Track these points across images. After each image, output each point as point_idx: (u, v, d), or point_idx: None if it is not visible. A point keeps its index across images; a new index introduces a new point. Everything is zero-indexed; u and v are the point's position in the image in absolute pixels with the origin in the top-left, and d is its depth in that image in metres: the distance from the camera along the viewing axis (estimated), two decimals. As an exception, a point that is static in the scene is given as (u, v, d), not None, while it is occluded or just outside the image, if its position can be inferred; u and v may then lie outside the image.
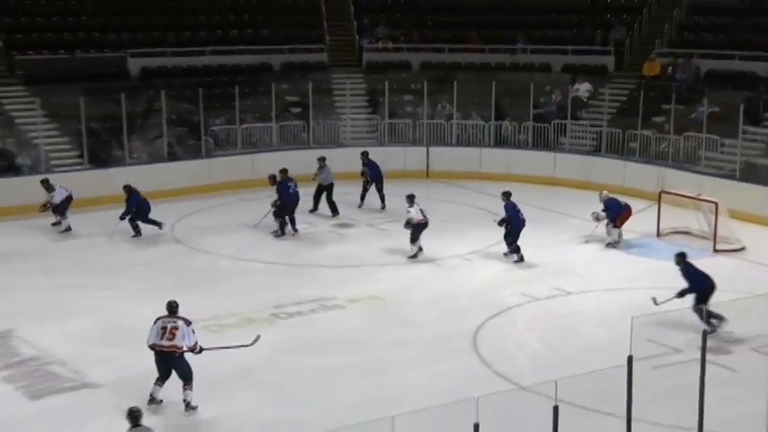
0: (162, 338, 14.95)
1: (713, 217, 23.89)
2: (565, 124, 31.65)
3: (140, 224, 24.89)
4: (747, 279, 21.55)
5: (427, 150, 31.79)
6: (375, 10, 36.95)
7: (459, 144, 31.89)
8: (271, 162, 29.39)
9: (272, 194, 26.03)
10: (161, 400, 15.23)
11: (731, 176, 27.76)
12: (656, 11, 35.13)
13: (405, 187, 26.90)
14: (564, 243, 25.09)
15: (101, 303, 20.67)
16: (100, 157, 29.06)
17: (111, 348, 18.11)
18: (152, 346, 15.06)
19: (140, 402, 14.53)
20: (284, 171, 25.77)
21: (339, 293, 21.22)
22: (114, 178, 28.00)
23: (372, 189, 28.05)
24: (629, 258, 23.72)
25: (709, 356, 12.48)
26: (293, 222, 25.72)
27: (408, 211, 23.50)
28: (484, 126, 32.17)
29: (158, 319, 15.22)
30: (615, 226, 24.21)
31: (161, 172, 29.38)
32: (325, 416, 14.33)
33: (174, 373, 15.05)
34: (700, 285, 18.21)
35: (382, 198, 27.97)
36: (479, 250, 24.29)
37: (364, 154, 28.48)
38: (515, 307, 20.29)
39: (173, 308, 15.39)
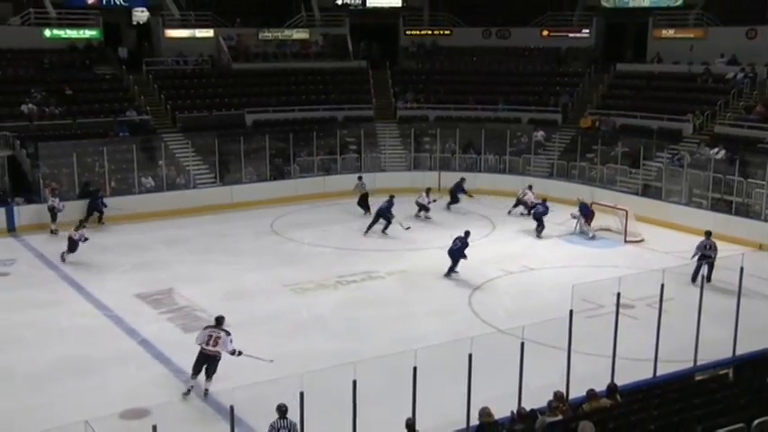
0: (208, 344, 13.53)
1: (625, 219, 23.86)
2: (530, 158, 31.35)
3: None
4: (646, 260, 21.39)
5: (439, 174, 31.28)
6: (405, 82, 36.61)
7: (460, 170, 31.32)
8: (336, 182, 29.52)
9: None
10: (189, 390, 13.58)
11: (636, 193, 27.45)
12: (589, 84, 34.69)
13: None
14: (532, 235, 24.42)
15: (228, 273, 20.64)
16: (227, 178, 29.07)
17: (233, 302, 18.09)
18: (201, 347, 13.58)
19: (253, 337, 14.96)
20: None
21: (380, 268, 21.08)
22: (234, 192, 28.08)
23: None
24: (573, 247, 23.42)
25: (621, 310, 12.53)
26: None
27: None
28: (477, 158, 31.81)
29: (206, 327, 13.81)
30: (587, 223, 24.08)
31: (265, 188, 29.22)
32: (371, 348, 14.32)
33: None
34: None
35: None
36: (472, 240, 23.39)
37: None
38: (496, 278, 20.33)
39: (219, 321, 13.84)
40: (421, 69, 37.39)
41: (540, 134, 32.08)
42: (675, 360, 13.43)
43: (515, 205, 26.22)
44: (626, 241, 23.29)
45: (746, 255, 18.37)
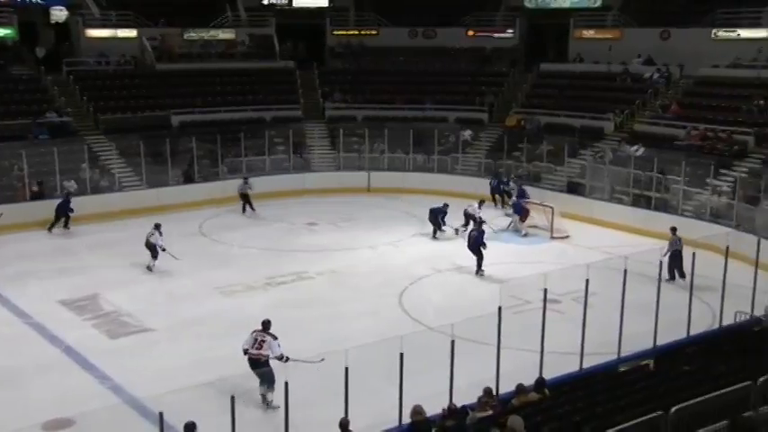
0: (252, 347, 13.30)
1: (551, 216, 24.01)
2: (458, 157, 31.06)
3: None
4: (570, 256, 21.50)
5: (368, 174, 30.89)
6: (333, 82, 36.21)
7: (389, 169, 30.86)
8: (265, 183, 28.92)
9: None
10: (270, 401, 13.13)
11: (561, 190, 27.54)
12: (513, 84, 34.71)
13: (352, 198, 27.16)
14: (461, 233, 23.83)
15: (155, 276, 20.26)
16: (153, 180, 28.44)
17: (161, 306, 17.87)
18: (245, 351, 13.30)
19: (178, 339, 14.81)
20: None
21: (310, 269, 20.86)
22: (161, 194, 27.56)
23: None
24: (503, 245, 23.05)
25: (548, 305, 12.60)
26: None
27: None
28: (405, 158, 31.41)
29: (254, 331, 13.48)
30: (521, 220, 24.22)
31: (193, 190, 28.71)
32: (301, 349, 14.01)
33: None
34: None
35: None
36: (402, 240, 23.80)
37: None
38: (426, 277, 20.12)
39: (265, 326, 13.51)
40: (348, 69, 37.16)
41: (467, 133, 32.04)
42: (600, 353, 13.57)
43: (465, 224, 23.77)
44: (552, 237, 23.43)
45: (665, 248, 18.95)
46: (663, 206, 24.28)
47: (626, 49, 33.21)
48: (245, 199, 26.77)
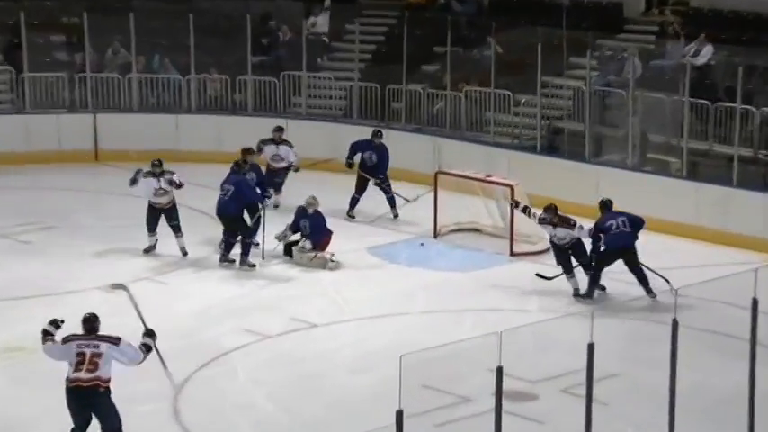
0: (80, 369, 7.70)
1: (508, 206, 14.03)
2: (299, 77, 17.49)
3: None
4: (552, 294, 12.67)
5: (94, 119, 17.13)
6: None
7: (144, 110, 17.14)
8: None
9: None
10: None
11: (531, 148, 15.94)
12: None
13: (63, 180, 16.18)
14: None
15: None
16: None
17: None
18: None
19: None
20: None
21: None
22: None
23: None
24: (398, 270, 13.76)
25: (507, 405, 7.40)
26: None
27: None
28: (180, 81, 17.53)
29: (71, 338, 7.77)
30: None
31: None
32: None
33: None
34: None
35: None
36: (175, 264, 13.46)
37: None
38: (235, 350, 11.47)
39: (93, 322, 7.85)
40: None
41: (319, 21, 18.91)
42: None
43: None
44: (512, 253, 14.17)
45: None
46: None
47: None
48: None
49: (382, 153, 14.29)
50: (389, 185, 14.16)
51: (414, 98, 16.75)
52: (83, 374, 7.06)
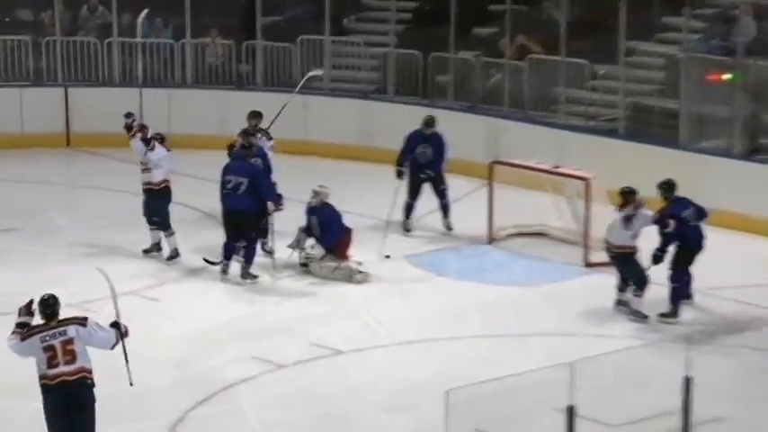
0: (57, 362, 7.59)
1: (580, 204, 12.90)
2: (320, 43, 16.05)
3: None
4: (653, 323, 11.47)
5: (66, 94, 15.55)
6: None
7: (127, 83, 15.47)
8: None
9: None
10: None
11: (611, 132, 14.51)
12: None
13: (28, 171, 15.23)
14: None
15: None
16: None
17: None
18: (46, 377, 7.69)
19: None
20: None
21: None
22: None
23: None
24: (445, 283, 12.30)
25: None
26: None
27: None
28: (174, 47, 16.13)
29: (35, 331, 7.60)
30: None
31: None
32: None
33: None
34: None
35: None
36: (167, 275, 12.16)
37: None
38: (241, 383, 10.00)
39: (52, 306, 7.63)
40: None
41: None
42: None
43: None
44: (588, 264, 12.69)
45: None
46: None
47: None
48: None
49: (439, 145, 12.71)
50: (446, 189, 12.47)
51: (464, 69, 15.56)
52: (65, 368, 6.81)
